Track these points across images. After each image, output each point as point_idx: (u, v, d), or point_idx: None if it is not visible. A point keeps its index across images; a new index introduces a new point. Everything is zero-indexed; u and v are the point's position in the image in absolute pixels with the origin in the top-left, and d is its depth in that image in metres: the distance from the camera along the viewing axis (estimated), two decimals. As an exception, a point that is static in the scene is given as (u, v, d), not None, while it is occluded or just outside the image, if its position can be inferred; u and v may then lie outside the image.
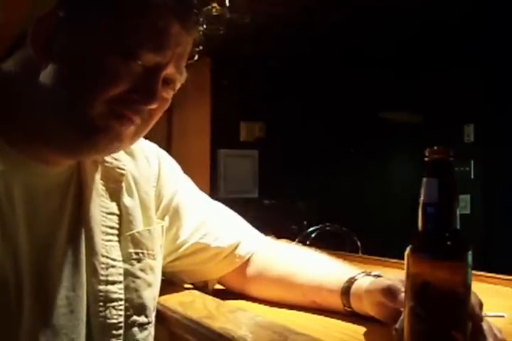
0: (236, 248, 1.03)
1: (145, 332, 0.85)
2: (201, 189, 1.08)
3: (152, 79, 0.72)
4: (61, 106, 0.70)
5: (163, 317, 0.91)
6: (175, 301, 0.94)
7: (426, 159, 0.63)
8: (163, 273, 0.93)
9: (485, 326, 0.67)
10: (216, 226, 1.02)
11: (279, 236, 1.16)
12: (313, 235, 2.41)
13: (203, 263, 1.01)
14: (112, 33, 0.69)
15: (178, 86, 0.78)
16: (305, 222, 3.42)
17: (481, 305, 0.69)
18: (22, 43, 0.73)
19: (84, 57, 0.70)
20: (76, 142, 0.72)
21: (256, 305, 1.00)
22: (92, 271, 0.79)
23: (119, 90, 0.70)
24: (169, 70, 0.74)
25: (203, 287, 1.05)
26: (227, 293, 1.05)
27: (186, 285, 1.07)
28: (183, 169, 1.05)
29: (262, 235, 1.11)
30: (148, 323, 0.86)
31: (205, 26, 0.79)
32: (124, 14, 0.70)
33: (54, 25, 0.70)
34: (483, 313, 0.69)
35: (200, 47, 0.80)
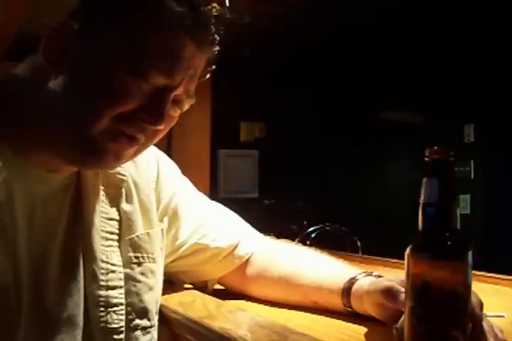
0: (235, 248, 1.03)
1: (148, 336, 0.86)
2: (201, 189, 1.08)
3: (161, 101, 0.71)
4: (68, 119, 0.70)
5: (163, 317, 0.91)
6: (175, 301, 0.94)
7: (426, 159, 0.63)
8: (163, 274, 0.93)
9: (486, 326, 0.67)
10: (215, 227, 1.02)
11: (279, 236, 1.16)
12: (313, 235, 2.41)
13: (203, 264, 1.01)
14: (124, 51, 0.69)
15: (186, 107, 0.77)
16: (305, 222, 3.42)
17: (481, 305, 0.69)
18: (34, 48, 0.72)
19: (95, 73, 0.69)
20: (78, 156, 0.73)
21: (256, 305, 1.00)
22: (92, 277, 0.79)
23: (126, 108, 0.70)
24: (178, 92, 0.73)
25: (202, 287, 1.05)
26: (227, 293, 1.05)
27: (186, 285, 1.07)
28: (183, 169, 1.05)
29: (261, 235, 1.11)
30: (151, 327, 0.86)
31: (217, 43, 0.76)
32: (137, 33, 0.69)
33: (68, 38, 0.70)
34: (483, 313, 0.69)
35: (213, 67, 0.78)
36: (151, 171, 0.94)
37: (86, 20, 0.70)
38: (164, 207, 0.96)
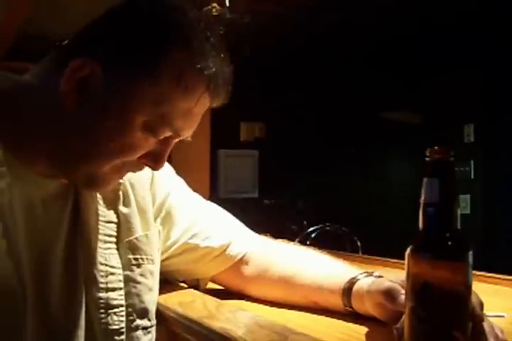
0: (227, 248, 1.02)
1: (149, 336, 0.87)
2: (201, 189, 1.08)
3: (165, 149, 0.77)
4: (76, 155, 0.73)
5: (162, 317, 0.91)
6: (175, 301, 0.94)
7: (427, 159, 0.63)
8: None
9: (486, 326, 0.67)
10: (207, 226, 1.02)
11: (279, 237, 1.16)
12: (313, 235, 2.42)
13: (193, 263, 1.01)
14: (143, 109, 0.71)
15: None
16: (305, 222, 3.42)
17: (481, 305, 0.68)
18: (37, 59, 0.73)
19: (111, 123, 0.71)
20: (83, 185, 0.78)
21: (256, 305, 0.99)
22: (92, 279, 0.80)
23: (132, 158, 0.74)
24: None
25: (195, 285, 1.05)
26: (227, 293, 1.05)
27: (186, 285, 1.07)
28: (183, 169, 1.05)
29: (256, 234, 1.10)
30: (152, 326, 0.88)
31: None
32: (161, 94, 0.71)
33: (91, 78, 0.70)
34: (484, 313, 0.69)
35: None
36: (146, 172, 0.94)
37: (111, 65, 0.71)
38: (158, 208, 0.96)
